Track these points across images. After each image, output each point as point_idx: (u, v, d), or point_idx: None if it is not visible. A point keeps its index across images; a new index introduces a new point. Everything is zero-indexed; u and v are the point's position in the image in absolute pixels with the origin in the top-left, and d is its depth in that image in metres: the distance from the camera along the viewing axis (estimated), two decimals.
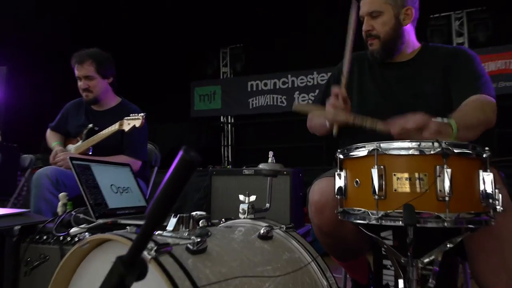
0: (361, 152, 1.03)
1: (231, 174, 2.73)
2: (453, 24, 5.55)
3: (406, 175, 0.97)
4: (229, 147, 6.75)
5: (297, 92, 6.32)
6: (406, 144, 0.98)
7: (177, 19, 5.64)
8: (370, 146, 1.01)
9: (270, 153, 2.86)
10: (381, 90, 1.56)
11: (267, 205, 1.28)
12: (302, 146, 5.73)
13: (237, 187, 2.67)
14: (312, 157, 5.63)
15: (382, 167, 0.98)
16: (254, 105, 6.52)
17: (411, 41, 1.57)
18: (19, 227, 1.51)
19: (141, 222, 1.41)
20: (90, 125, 2.40)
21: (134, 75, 5.74)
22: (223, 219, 1.24)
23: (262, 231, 1.04)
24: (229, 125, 6.83)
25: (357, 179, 1.04)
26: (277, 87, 6.43)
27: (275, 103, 6.43)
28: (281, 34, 6.12)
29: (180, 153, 0.43)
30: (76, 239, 1.42)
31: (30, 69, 5.21)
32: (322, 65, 6.13)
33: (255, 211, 1.20)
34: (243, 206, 1.18)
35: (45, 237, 1.48)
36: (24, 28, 4.94)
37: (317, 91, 6.17)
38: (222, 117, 6.86)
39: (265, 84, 6.49)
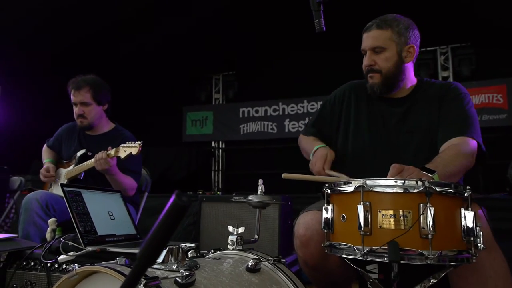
0: (348, 187, 1.07)
1: (221, 201, 2.72)
2: (438, 58, 5.76)
3: (390, 212, 1.00)
4: (220, 172, 6.76)
5: (288, 120, 6.42)
6: (391, 182, 1.03)
7: (172, 46, 5.76)
8: (357, 183, 1.04)
9: (260, 181, 2.88)
10: (377, 124, 1.59)
11: (256, 236, 1.30)
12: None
13: (227, 215, 2.67)
14: (302, 184, 5.66)
15: (367, 203, 1.01)
16: (245, 131, 6.59)
17: (410, 77, 1.61)
18: (6, 253, 1.50)
19: (130, 250, 1.41)
20: (83, 150, 2.40)
21: (127, 97, 5.79)
22: (211, 250, 1.25)
23: (250, 264, 1.05)
24: (220, 150, 6.87)
25: (344, 214, 1.07)
26: (268, 114, 6.53)
27: (265, 130, 6.51)
28: (273, 63, 6.28)
29: (173, 197, 0.46)
30: (64, 266, 1.42)
31: (24, 90, 5.22)
32: (312, 93, 6.28)
33: (244, 242, 1.22)
34: (232, 238, 1.20)
35: (32, 264, 1.47)
36: (19, 51, 4.99)
37: (307, 119, 6.29)
38: (213, 142, 6.90)
39: (256, 111, 6.59)
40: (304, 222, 1.39)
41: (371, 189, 1.03)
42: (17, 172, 4.25)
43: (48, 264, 1.43)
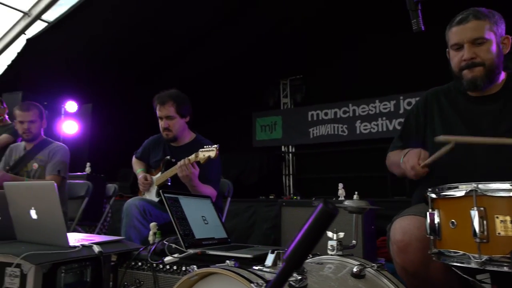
0: (457, 192, 1.02)
1: (301, 206, 2.74)
2: None
3: (508, 217, 0.94)
4: (290, 176, 6.78)
5: (359, 121, 6.24)
6: (506, 185, 0.96)
7: (240, 53, 5.93)
8: (468, 187, 0.99)
9: (340, 185, 2.84)
10: (468, 125, 1.48)
11: (354, 242, 1.29)
12: (363, 176, 5.61)
13: (307, 218, 2.68)
14: (374, 187, 5.47)
15: (482, 209, 0.96)
16: (315, 135, 6.54)
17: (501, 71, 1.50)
18: (116, 254, 1.66)
19: (229, 253, 1.48)
20: (168, 157, 2.56)
21: (200, 107, 6.08)
22: (310, 255, 1.27)
23: (355, 270, 1.05)
24: (290, 154, 6.89)
25: (453, 220, 1.03)
26: (338, 116, 6.41)
27: (336, 133, 6.40)
28: (341, 63, 6.16)
29: (320, 205, 0.49)
30: (168, 267, 1.54)
31: (112, 105, 5.75)
32: (384, 93, 6.04)
33: (343, 247, 1.22)
34: (332, 243, 1.20)
35: (140, 264, 1.61)
36: (107, 69, 5.51)
37: (379, 119, 6.06)
38: (283, 146, 6.95)
39: (326, 114, 6.51)
40: (401, 227, 1.35)
41: (485, 193, 0.97)
42: (108, 179, 4.68)
43: (154, 264, 1.56)
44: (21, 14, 5.32)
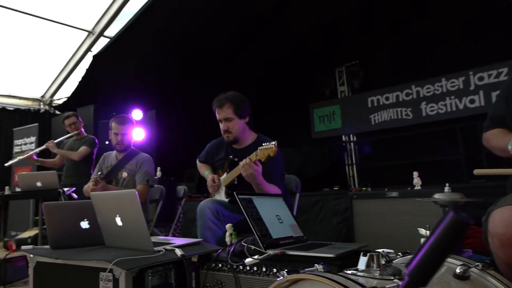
0: None
1: (373, 198, 2.62)
2: None
3: None
4: (354, 166, 6.57)
5: (424, 103, 5.87)
6: None
7: (292, 45, 5.84)
8: None
9: (415, 174, 2.66)
10: None
11: None
12: (433, 160, 5.25)
13: (381, 211, 2.56)
14: (447, 172, 5.09)
15: None
16: (377, 121, 6.26)
17: None
18: (197, 255, 1.71)
19: (308, 253, 1.45)
20: (230, 157, 2.57)
21: (256, 103, 6.09)
22: (399, 253, 1.19)
23: (458, 270, 0.96)
24: (352, 143, 6.67)
25: None
26: (400, 99, 6.08)
27: (399, 117, 6.07)
28: (399, 42, 5.81)
29: (450, 214, 0.43)
30: (248, 268, 1.54)
31: (174, 111, 5.98)
32: (451, 70, 5.59)
33: None
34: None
35: (220, 265, 1.64)
36: (167, 76, 5.73)
37: (447, 99, 5.63)
38: (343, 136, 6.75)
39: (387, 98, 6.20)
40: (502, 219, 1.22)
41: None
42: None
43: (234, 265, 1.57)
44: (86, 33, 5.71)
